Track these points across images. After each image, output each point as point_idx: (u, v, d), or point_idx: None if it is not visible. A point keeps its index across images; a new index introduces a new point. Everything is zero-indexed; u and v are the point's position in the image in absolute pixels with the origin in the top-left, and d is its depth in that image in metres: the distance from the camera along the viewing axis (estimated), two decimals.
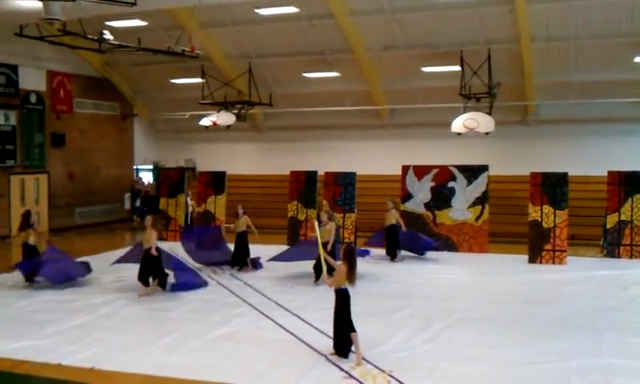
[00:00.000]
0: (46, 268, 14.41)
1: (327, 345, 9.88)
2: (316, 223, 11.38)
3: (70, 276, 14.71)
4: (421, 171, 20.09)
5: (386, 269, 16.74)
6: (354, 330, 9.35)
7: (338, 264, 9.77)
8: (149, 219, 14.05)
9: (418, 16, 20.24)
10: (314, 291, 13.83)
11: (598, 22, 19.17)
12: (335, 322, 9.52)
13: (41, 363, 9.42)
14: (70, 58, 24.27)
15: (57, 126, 24.50)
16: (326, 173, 20.98)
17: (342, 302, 9.42)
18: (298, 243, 18.23)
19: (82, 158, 25.94)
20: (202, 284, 14.38)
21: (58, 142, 24.48)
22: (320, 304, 12.23)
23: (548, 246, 17.49)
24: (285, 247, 17.48)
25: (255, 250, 16.60)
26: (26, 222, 15.36)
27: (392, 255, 17.71)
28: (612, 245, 18.23)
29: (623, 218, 18.13)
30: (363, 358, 9.26)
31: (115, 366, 9.22)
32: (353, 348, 9.38)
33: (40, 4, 14.23)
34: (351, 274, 9.38)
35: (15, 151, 22.89)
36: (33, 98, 23.47)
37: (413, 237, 18.17)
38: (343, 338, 9.41)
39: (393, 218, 17.71)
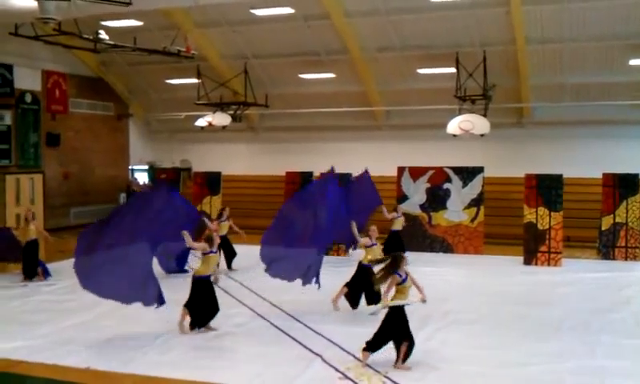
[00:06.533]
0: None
1: (323, 345, 9.91)
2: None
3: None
4: (416, 172, 20.10)
5: None
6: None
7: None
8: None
9: (414, 17, 20.25)
10: (310, 292, 13.66)
11: (593, 24, 19.20)
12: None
13: (37, 363, 9.42)
14: (66, 58, 24.20)
15: (52, 125, 24.43)
16: (322, 174, 20.92)
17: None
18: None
19: (77, 157, 25.86)
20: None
21: (53, 142, 24.41)
22: (317, 306, 12.26)
23: (543, 248, 17.52)
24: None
25: (248, 250, 16.21)
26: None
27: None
28: (607, 247, 18.28)
29: (618, 220, 18.18)
30: (358, 359, 9.30)
31: (110, 366, 9.23)
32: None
33: (35, 3, 14.19)
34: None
35: (10, 151, 22.80)
36: (28, 98, 23.39)
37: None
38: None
39: (399, 224, 17.63)
